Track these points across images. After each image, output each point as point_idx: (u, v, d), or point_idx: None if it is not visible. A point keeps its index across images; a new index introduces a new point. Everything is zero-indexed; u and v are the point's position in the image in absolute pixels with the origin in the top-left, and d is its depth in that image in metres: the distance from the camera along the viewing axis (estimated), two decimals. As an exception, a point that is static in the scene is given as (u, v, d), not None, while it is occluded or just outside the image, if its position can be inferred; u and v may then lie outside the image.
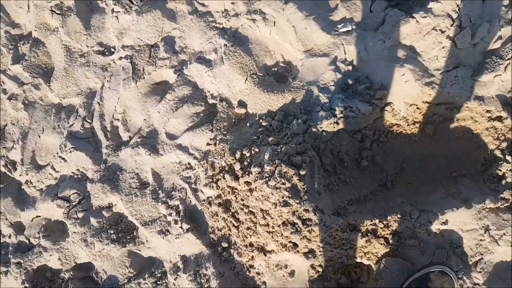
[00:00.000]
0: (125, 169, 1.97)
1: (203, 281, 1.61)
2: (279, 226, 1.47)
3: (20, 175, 2.12)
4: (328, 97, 1.69)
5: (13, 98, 2.29)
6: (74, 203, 1.92)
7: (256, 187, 1.53)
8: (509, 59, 1.46)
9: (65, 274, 1.90)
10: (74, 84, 2.18)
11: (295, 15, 1.83)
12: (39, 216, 2.01)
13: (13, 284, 1.99)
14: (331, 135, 1.64)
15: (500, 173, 1.44)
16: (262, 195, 1.51)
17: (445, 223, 1.38)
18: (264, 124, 1.74)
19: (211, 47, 1.98)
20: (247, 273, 1.61)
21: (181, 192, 1.84)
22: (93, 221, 1.87)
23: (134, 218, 1.85)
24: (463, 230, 1.38)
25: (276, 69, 1.93)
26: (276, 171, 1.48)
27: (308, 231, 1.41)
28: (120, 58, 2.13)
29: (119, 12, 2.16)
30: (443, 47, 1.56)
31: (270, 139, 1.65)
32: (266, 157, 1.56)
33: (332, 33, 1.77)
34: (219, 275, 1.59)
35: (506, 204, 1.37)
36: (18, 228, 2.05)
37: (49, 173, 2.05)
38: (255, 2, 1.94)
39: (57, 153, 2.06)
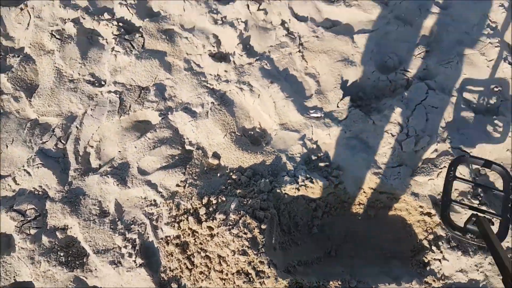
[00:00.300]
0: (88, 194, 2.00)
1: (146, 318, 1.62)
2: (233, 274, 1.58)
3: (-26, 181, 2.05)
4: (294, 165, 1.95)
5: (-13, 104, 2.29)
6: (29, 218, 1.89)
7: (218, 233, 1.66)
8: (441, 168, 1.84)
9: (-3, 290, 1.79)
10: (56, 105, 2.25)
11: (277, 94, 2.15)
12: (-16, 226, 1.92)
13: None
14: (291, 199, 1.86)
15: (426, 260, 1.72)
16: (222, 241, 1.64)
17: (377, 294, 1.60)
18: (234, 177, 1.93)
19: (198, 102, 2.21)
20: (192, 317, 1.65)
21: (140, 226, 1.89)
22: (44, 239, 1.83)
23: (87, 244, 1.85)
24: (391, 304, 1.59)
25: (252, 132, 2.18)
26: (241, 221, 1.64)
27: (260, 282, 1.54)
28: (109, 91, 2.27)
29: (118, 52, 2.35)
30: (392, 147, 1.92)
31: (238, 191, 1.82)
32: (233, 206, 1.72)
33: (305, 116, 2.10)
34: (164, 315, 1.62)
35: None
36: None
37: (8, 184, 2.02)
38: (245, 75, 2.25)
39: (23, 166, 2.05)
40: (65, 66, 2.34)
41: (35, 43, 2.44)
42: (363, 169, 1.91)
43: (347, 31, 2.33)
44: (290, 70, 2.28)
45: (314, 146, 2.03)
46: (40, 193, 2.00)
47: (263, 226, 1.64)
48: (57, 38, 2.41)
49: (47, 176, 2.01)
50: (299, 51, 2.30)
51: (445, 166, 1.83)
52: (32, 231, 1.88)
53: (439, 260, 1.69)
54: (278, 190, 1.83)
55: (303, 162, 1.99)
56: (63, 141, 2.15)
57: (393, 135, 1.94)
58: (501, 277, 1.16)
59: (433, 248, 1.72)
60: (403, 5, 2.33)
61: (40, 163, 2.04)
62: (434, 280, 1.65)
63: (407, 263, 1.77)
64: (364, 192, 1.93)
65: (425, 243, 1.78)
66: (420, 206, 1.83)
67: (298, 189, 1.86)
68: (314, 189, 1.88)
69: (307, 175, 1.88)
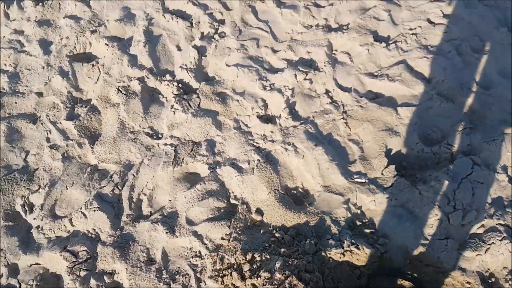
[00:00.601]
0: (138, 241, 2.09)
1: None
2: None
3: (34, 219, 2.19)
4: (338, 229, 1.98)
5: (54, 148, 2.51)
6: (80, 260, 1.97)
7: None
8: (489, 244, 1.83)
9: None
10: (116, 153, 2.44)
11: (322, 156, 2.25)
12: (38, 264, 2.02)
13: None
14: (335, 264, 1.87)
15: None
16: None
17: None
18: (277, 235, 1.98)
19: (245, 158, 2.34)
20: None
21: (185, 277, 1.94)
22: (93, 283, 1.90)
23: (132, 291, 1.90)
24: None
25: (295, 192, 2.26)
26: (287, 281, 1.66)
27: None
28: (165, 144, 2.46)
29: (177, 109, 2.58)
30: (438, 219, 1.94)
31: (282, 250, 1.86)
32: (278, 265, 1.75)
33: (349, 180, 2.17)
34: None
35: None
36: (13, 270, 2.03)
37: (64, 225, 2.14)
38: (291, 137, 2.39)
39: (80, 208, 2.19)
40: (128, 119, 2.57)
41: (102, 96, 2.72)
42: (409, 239, 1.92)
43: (390, 103, 2.47)
44: (333, 135, 2.40)
45: (359, 211, 2.08)
46: (93, 236, 2.11)
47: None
48: (123, 93, 2.68)
49: (102, 220, 2.13)
50: (343, 118, 2.44)
51: (493, 243, 1.82)
52: (82, 273, 1.96)
53: None
54: (323, 253, 1.85)
55: (347, 226, 2.02)
56: (119, 187, 2.30)
57: (439, 207, 1.96)
58: None
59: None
60: (445, 83, 2.46)
61: (97, 207, 2.17)
62: None
63: None
64: (410, 263, 1.91)
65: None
66: (468, 282, 1.79)
67: (344, 254, 1.87)
68: (359, 256, 1.89)
69: (353, 241, 1.90)
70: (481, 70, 2.57)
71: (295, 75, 2.65)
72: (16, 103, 2.78)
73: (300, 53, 2.79)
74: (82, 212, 2.18)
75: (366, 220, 2.04)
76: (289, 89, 2.62)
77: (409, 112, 2.37)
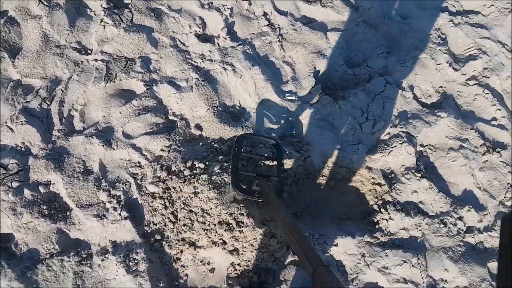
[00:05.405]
0: (72, 154, 2.08)
1: (131, 264, 1.76)
2: (215, 224, 1.78)
3: (-49, 132, 2.04)
4: (270, 140, 2.18)
5: (-33, 61, 2.27)
6: (11, 172, 1.93)
7: (202, 190, 1.85)
8: (392, 147, 2.17)
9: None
10: (41, 68, 2.30)
11: (258, 76, 2.38)
12: (-36, 176, 1.93)
13: None
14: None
15: (375, 220, 2.03)
16: (206, 197, 1.82)
17: (336, 245, 1.87)
18: (215, 146, 2.12)
19: (183, 76, 2.37)
20: (173, 265, 1.81)
21: (125, 185, 2.02)
22: (27, 193, 1.89)
23: (70, 199, 1.94)
24: (347, 253, 1.87)
25: (232, 109, 2.38)
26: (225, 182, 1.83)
27: (239, 231, 1.75)
28: (96, 59, 2.36)
29: (107, 23, 2.45)
30: (353, 128, 2.23)
31: (220, 157, 2.02)
32: (216, 169, 1.91)
33: (281, 97, 2.34)
34: (148, 261, 1.77)
35: (377, 241, 1.94)
36: None
37: (-11, 139, 2.04)
38: (229, 57, 2.45)
39: (5, 123, 2.08)
40: (52, 32, 2.39)
41: (20, 7, 2.46)
42: (328, 146, 2.20)
43: (321, 28, 2.63)
44: (269, 57, 2.52)
45: (288, 124, 2.29)
46: (23, 149, 2.04)
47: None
48: (45, 4, 2.45)
49: (31, 133, 2.07)
50: (279, 41, 2.55)
51: (395, 146, 2.17)
52: (15, 184, 1.93)
53: (386, 220, 2.01)
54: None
55: (278, 137, 2.23)
56: (47, 102, 2.20)
57: (355, 118, 2.25)
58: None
59: (382, 210, 2.04)
60: (370, 11, 2.67)
61: (24, 121, 2.08)
62: (381, 236, 1.96)
63: (360, 223, 2.07)
64: (327, 166, 2.21)
65: (375, 207, 2.09)
66: (373, 178, 2.15)
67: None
68: (287, 160, 2.12)
69: (283, 148, 2.12)
70: (402, 2, 2.82)
71: (234, -5, 2.64)
72: None
73: (238, -27, 2.76)
74: (8, 126, 2.08)
75: (294, 132, 2.27)
76: (228, 8, 2.62)
77: (337, 36, 2.56)
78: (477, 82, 2.52)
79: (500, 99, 2.50)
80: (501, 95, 2.54)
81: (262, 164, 2.10)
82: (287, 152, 2.12)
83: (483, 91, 2.47)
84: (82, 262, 1.79)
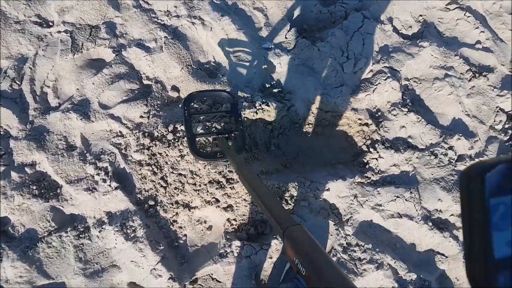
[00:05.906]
0: (52, 131, 2.04)
1: (129, 231, 1.79)
2: (205, 184, 1.78)
3: None
4: (251, 93, 2.13)
5: None
6: (-7, 157, 1.90)
7: (188, 153, 1.83)
8: (376, 85, 2.13)
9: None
10: (5, 47, 2.18)
11: (229, 26, 2.27)
12: None
13: None
14: (250, 122, 2.06)
15: (365, 161, 2.04)
16: (193, 158, 1.81)
17: (328, 190, 1.90)
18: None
19: (151, 37, 2.27)
20: (171, 227, 1.85)
21: (110, 156, 2.00)
22: (14, 175, 1.87)
23: (58, 176, 1.93)
24: (339, 196, 1.91)
25: (207, 66, 2.30)
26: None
27: (230, 188, 1.76)
28: (59, 31, 2.24)
29: (63, -10, 2.29)
30: (334, 70, 2.17)
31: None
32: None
33: (257, 47, 2.26)
34: (145, 226, 1.80)
35: (368, 181, 1.96)
36: None
37: (-37, 127, 1.98)
38: (196, 10, 2.32)
39: (-23, 108, 2.01)
40: (8, 8, 2.24)
41: (-35, -17, 2.28)
42: (311, 92, 2.15)
43: (291, -34, 2.47)
44: (239, 5, 2.39)
45: (267, 74, 2.22)
46: (1, 133, 2.00)
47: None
48: (-9, -23, 2.27)
49: (7, 116, 2.01)
50: (247, -13, 2.41)
51: (379, 83, 2.13)
52: (1, 169, 1.90)
53: (376, 159, 2.02)
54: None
55: (258, 89, 2.18)
56: (17, 82, 2.12)
57: (335, 59, 2.18)
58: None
59: (371, 150, 2.05)
60: None
61: (-3, 104, 2.01)
62: (372, 175, 1.98)
63: (350, 166, 2.09)
64: (312, 112, 2.18)
65: (364, 147, 2.10)
66: (359, 119, 2.13)
67: (256, 113, 2.06)
68: (270, 112, 2.09)
69: (264, 100, 2.08)
70: None
71: None
72: None
73: None
74: (-20, 111, 2.01)
75: (274, 82, 2.21)
76: (187, -41, 2.44)
77: (308, -26, 2.41)
78: (458, 5, 2.42)
79: (483, 21, 2.42)
80: (484, 17, 2.45)
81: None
82: (268, 103, 2.07)
83: (464, 14, 2.38)
84: (81, 235, 1.82)
